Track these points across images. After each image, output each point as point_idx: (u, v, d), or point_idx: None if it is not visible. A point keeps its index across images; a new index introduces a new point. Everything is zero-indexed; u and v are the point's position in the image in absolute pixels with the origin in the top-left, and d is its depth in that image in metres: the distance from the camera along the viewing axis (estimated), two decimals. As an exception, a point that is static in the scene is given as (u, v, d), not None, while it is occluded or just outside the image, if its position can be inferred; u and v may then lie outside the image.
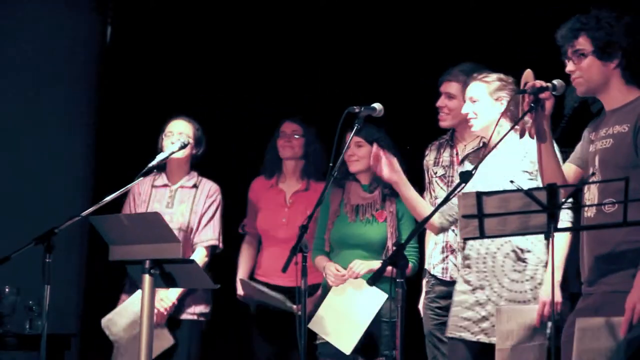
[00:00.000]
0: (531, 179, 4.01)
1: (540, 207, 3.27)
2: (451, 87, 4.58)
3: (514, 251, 4.07)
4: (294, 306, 4.79)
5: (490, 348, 4.01)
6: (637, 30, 3.46)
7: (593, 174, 3.52)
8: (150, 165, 4.57)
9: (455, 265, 4.50)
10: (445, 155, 4.73)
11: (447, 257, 4.52)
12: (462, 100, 4.33)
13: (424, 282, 4.72)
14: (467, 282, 4.14)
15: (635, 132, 3.41)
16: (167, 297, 4.74)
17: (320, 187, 4.95)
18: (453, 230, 4.47)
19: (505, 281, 4.06)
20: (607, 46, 3.45)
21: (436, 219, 4.12)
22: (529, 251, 4.07)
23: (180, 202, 5.02)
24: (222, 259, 5.16)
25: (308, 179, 5.20)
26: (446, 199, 3.71)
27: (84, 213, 4.39)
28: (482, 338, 4.06)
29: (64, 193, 5.96)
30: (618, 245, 3.40)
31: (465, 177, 3.59)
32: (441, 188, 4.68)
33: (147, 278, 4.01)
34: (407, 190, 4.08)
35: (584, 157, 3.63)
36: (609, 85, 3.52)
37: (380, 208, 4.80)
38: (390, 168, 3.96)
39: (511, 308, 3.97)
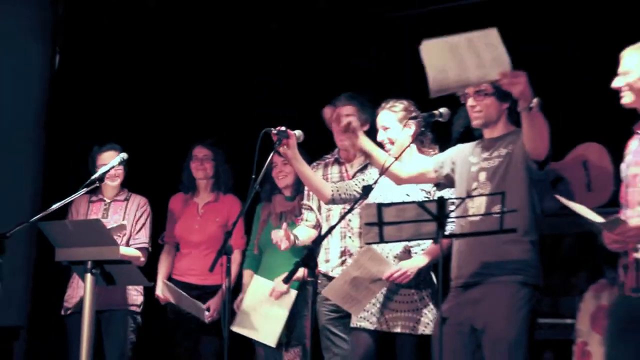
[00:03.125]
0: (427, 197, 4.00)
1: (431, 216, 3.32)
2: (347, 109, 4.49)
3: (405, 251, 4.06)
4: (207, 313, 4.84)
5: (388, 336, 4.02)
6: None
7: (475, 188, 3.61)
8: (92, 177, 4.50)
9: None
10: (334, 172, 4.62)
11: (345, 260, 4.40)
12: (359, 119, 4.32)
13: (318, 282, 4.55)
14: None
15: (516, 156, 3.55)
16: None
17: (227, 198, 5.20)
18: (350, 237, 4.43)
19: None
20: (505, 91, 3.53)
21: (329, 191, 4.06)
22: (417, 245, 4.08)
23: (113, 213, 4.99)
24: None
25: (217, 192, 5.21)
26: (347, 213, 3.77)
27: (33, 219, 4.32)
28: (379, 327, 4.02)
29: (15, 201, 5.81)
30: (504, 244, 3.49)
31: (367, 190, 3.65)
32: None
33: (89, 277, 3.99)
34: (300, 165, 4.00)
35: (445, 166, 3.79)
36: (498, 121, 3.66)
37: (299, 215, 4.79)
38: (287, 146, 3.89)
39: (377, 254, 3.94)
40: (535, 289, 3.50)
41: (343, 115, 4.28)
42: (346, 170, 4.58)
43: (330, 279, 4.31)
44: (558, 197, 3.32)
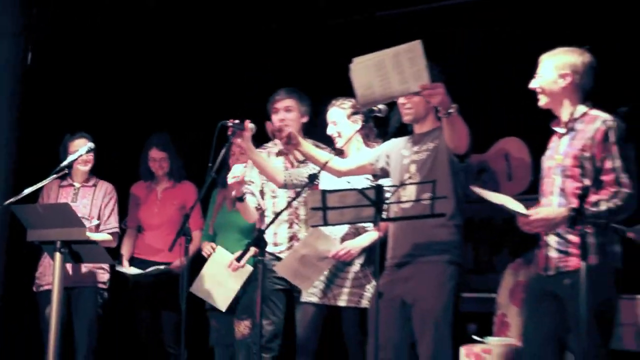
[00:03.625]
0: (371, 184, 4.00)
1: (370, 202, 3.39)
2: (287, 102, 4.45)
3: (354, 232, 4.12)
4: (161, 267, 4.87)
5: (334, 309, 4.09)
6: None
7: (408, 178, 3.69)
8: (62, 164, 4.53)
9: None
10: (279, 163, 4.48)
11: (292, 245, 4.35)
12: (298, 112, 4.38)
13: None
14: None
15: (441, 149, 3.62)
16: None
17: (182, 185, 5.29)
18: (297, 224, 4.40)
19: None
20: None
21: (282, 177, 4.12)
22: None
23: (82, 198, 5.00)
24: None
25: (174, 180, 5.29)
26: (293, 199, 3.86)
27: (6, 202, 4.32)
28: (327, 302, 4.09)
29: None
30: (432, 228, 3.57)
31: (313, 178, 3.71)
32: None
33: (57, 255, 4.00)
34: (254, 155, 4.04)
35: (380, 160, 3.86)
36: (426, 117, 3.74)
37: None
38: (242, 138, 3.94)
39: (323, 234, 3.97)
40: (459, 267, 3.60)
41: (282, 109, 4.33)
42: (290, 162, 4.54)
43: (278, 259, 4.33)
44: (474, 188, 3.39)
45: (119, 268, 5.07)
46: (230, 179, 4.13)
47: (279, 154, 4.51)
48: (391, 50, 3.38)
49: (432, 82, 3.37)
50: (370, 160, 3.89)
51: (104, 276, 4.97)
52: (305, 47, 5.90)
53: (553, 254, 3.35)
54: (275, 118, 4.37)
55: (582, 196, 3.06)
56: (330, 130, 4.21)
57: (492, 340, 4.53)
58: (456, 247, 3.61)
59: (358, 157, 4.03)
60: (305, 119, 4.41)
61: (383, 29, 5.66)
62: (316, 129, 4.47)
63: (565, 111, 3.43)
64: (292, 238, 4.42)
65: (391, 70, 3.39)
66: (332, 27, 5.85)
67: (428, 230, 3.57)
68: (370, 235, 4.06)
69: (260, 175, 4.37)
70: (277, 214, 3.73)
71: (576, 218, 3.06)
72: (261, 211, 4.46)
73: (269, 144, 4.55)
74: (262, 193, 4.49)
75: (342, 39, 5.73)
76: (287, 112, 4.39)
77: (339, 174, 3.94)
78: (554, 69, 3.42)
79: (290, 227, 4.44)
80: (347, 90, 3.87)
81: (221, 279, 4.72)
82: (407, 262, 3.61)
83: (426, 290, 3.53)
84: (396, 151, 3.80)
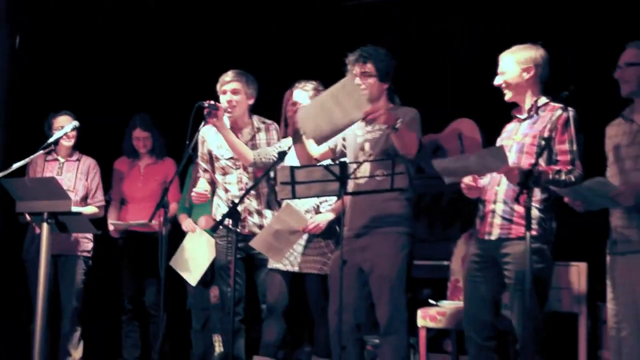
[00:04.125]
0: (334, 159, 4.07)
1: (335, 177, 3.44)
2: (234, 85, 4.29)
3: (314, 208, 4.16)
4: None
5: (299, 276, 4.14)
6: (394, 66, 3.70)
7: (370, 154, 3.74)
8: (49, 140, 4.51)
9: (255, 224, 4.29)
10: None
11: (245, 217, 4.26)
12: (245, 94, 4.28)
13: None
14: None
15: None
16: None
17: (164, 161, 5.29)
18: (249, 199, 4.26)
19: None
20: (385, 73, 3.66)
21: (251, 156, 4.13)
22: (328, 205, 4.17)
23: (67, 172, 5.00)
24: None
25: (156, 157, 5.29)
26: (262, 177, 3.94)
27: (-4, 176, 4.34)
28: (290, 268, 4.14)
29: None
30: (385, 201, 3.64)
31: (282, 155, 3.75)
32: (231, 167, 4.34)
33: (45, 226, 3.97)
34: (227, 133, 4.06)
35: (338, 143, 3.90)
36: (380, 98, 3.77)
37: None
38: (216, 117, 3.98)
39: (295, 210, 4.00)
40: (410, 237, 3.68)
41: (230, 90, 4.23)
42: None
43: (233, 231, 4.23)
44: (435, 162, 3.46)
45: (110, 230, 5.12)
46: (193, 194, 4.21)
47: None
48: (328, 91, 3.53)
49: (387, 68, 3.52)
50: (331, 145, 3.92)
51: (88, 245, 5.00)
52: (283, 31, 5.89)
53: (498, 220, 3.44)
54: (223, 99, 4.28)
55: (529, 172, 3.17)
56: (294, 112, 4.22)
57: (445, 304, 4.63)
58: (407, 219, 3.69)
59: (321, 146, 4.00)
60: (251, 101, 4.35)
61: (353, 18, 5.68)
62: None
63: (528, 101, 3.55)
64: (244, 211, 4.31)
65: (334, 108, 3.50)
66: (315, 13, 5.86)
67: (382, 204, 3.64)
68: (334, 210, 4.12)
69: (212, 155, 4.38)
70: (248, 190, 3.76)
71: (528, 176, 3.14)
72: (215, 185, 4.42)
73: None
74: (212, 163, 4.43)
75: (313, 25, 5.75)
76: (234, 95, 4.27)
77: (312, 159, 3.96)
78: (517, 65, 3.52)
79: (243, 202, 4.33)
80: (313, 73, 3.91)
81: (195, 255, 4.77)
82: (364, 233, 3.68)
83: (381, 258, 3.62)
84: (351, 132, 3.84)
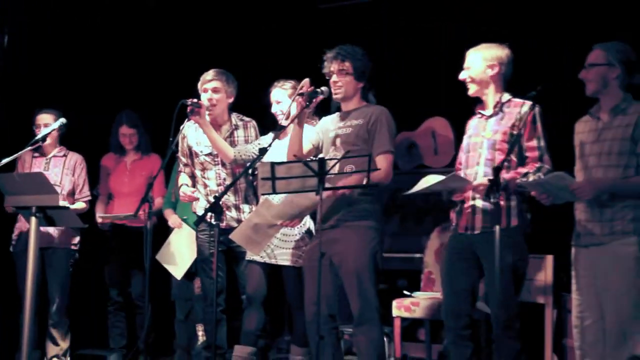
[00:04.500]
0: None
1: (314, 173, 3.41)
2: (214, 83, 4.30)
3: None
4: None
5: (275, 267, 4.14)
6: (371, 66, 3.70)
7: (333, 151, 3.73)
8: (37, 137, 4.54)
9: (233, 218, 4.31)
10: (207, 140, 4.26)
11: (224, 212, 4.22)
12: (225, 92, 4.28)
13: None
14: None
15: (369, 125, 3.67)
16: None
17: (150, 157, 5.27)
18: (227, 194, 4.24)
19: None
20: (362, 72, 3.66)
21: (232, 153, 4.13)
22: None
23: (54, 167, 4.98)
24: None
25: (141, 153, 5.28)
26: (243, 173, 3.91)
27: (-16, 172, 4.32)
28: (267, 260, 4.12)
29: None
30: (356, 196, 3.64)
31: (263, 152, 3.71)
32: (210, 162, 4.33)
33: (33, 219, 3.95)
34: (209, 130, 4.06)
35: (316, 139, 3.86)
36: (354, 96, 3.78)
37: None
38: (199, 115, 3.98)
39: (273, 204, 3.93)
40: (378, 231, 3.67)
41: (210, 89, 4.24)
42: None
43: (212, 225, 4.20)
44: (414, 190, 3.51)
45: (98, 222, 5.10)
46: (182, 193, 4.22)
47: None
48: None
49: (363, 67, 3.59)
50: (312, 142, 3.91)
51: (75, 238, 4.99)
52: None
53: (479, 215, 3.45)
54: (204, 97, 4.28)
55: (498, 168, 3.19)
56: (274, 109, 4.23)
57: (419, 295, 4.66)
58: (376, 213, 3.67)
59: (306, 143, 3.97)
60: (231, 99, 4.35)
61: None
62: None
63: (491, 97, 3.57)
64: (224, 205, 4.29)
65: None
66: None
67: (352, 199, 3.63)
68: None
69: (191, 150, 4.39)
70: (229, 186, 3.76)
71: (493, 186, 3.16)
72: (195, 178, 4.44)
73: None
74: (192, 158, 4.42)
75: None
76: (214, 93, 4.28)
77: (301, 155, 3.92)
78: (483, 61, 3.55)
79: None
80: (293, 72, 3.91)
81: (180, 250, 4.77)
82: (335, 226, 3.66)
83: (350, 252, 3.60)
84: (325, 128, 3.86)
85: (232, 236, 4.03)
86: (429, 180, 3.42)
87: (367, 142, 3.67)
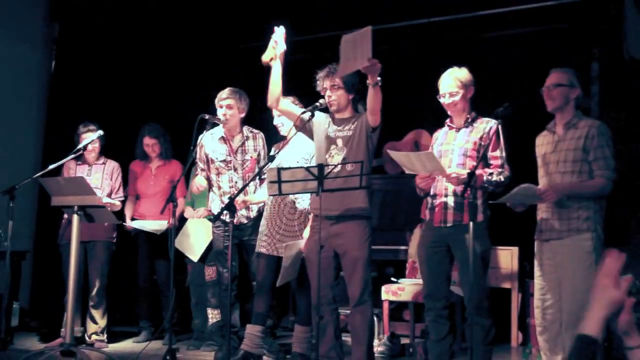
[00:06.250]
0: (306, 162, 4.07)
1: (314, 177, 3.39)
2: (228, 101, 4.29)
3: (292, 201, 4.12)
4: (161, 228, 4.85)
5: (279, 258, 4.05)
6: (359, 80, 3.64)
7: (333, 149, 3.65)
8: (79, 146, 4.55)
9: (243, 215, 4.32)
10: (222, 149, 4.33)
11: (237, 211, 4.17)
12: (237, 109, 4.29)
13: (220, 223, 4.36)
14: (265, 218, 4.18)
15: (365, 131, 3.60)
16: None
17: (171, 163, 5.18)
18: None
19: (284, 219, 4.10)
20: (352, 86, 3.60)
21: (276, 95, 3.77)
22: (301, 199, 4.12)
23: (95, 173, 4.96)
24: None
25: (164, 159, 5.22)
26: (254, 177, 3.85)
27: (35, 176, 4.31)
28: (272, 252, 4.09)
29: (23, 163, 5.63)
30: (354, 194, 3.55)
31: (271, 158, 3.70)
32: (224, 168, 4.34)
33: (75, 217, 3.97)
34: (277, 66, 3.80)
35: (306, 115, 3.68)
36: (347, 107, 3.71)
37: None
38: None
39: (293, 243, 3.87)
40: (371, 225, 3.62)
41: (225, 106, 4.22)
42: (230, 146, 4.40)
43: (225, 222, 4.24)
44: (389, 151, 3.41)
45: (124, 224, 5.06)
46: (194, 187, 4.23)
47: (220, 139, 4.41)
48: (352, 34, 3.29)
49: (353, 81, 3.53)
50: (301, 115, 3.73)
51: (113, 233, 4.98)
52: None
53: (451, 210, 3.41)
54: (219, 111, 4.33)
55: (473, 173, 3.21)
56: (275, 121, 4.21)
57: (404, 281, 4.65)
58: (370, 210, 3.64)
59: (291, 106, 3.88)
60: (243, 114, 4.37)
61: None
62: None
63: (463, 114, 3.53)
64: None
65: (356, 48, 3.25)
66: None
67: (350, 196, 3.57)
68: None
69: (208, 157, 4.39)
70: (242, 188, 3.71)
71: (469, 183, 3.18)
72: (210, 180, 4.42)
73: (216, 130, 4.41)
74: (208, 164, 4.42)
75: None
76: (228, 109, 4.31)
77: (276, 105, 3.78)
78: (463, 85, 3.48)
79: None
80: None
81: (197, 236, 4.72)
82: (337, 221, 3.61)
83: (353, 244, 3.56)
84: (319, 123, 3.73)
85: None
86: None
87: (366, 142, 3.61)
